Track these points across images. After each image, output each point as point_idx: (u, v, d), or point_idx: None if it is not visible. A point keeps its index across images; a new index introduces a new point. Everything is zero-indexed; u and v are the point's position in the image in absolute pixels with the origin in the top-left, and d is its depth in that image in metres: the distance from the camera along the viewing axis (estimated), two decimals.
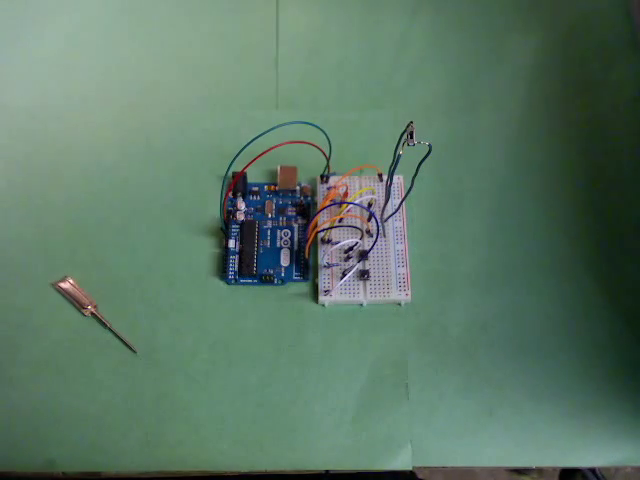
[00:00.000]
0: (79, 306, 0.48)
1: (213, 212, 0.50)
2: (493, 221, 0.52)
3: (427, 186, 0.52)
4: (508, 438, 0.46)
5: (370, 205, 0.50)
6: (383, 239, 0.50)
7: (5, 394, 0.47)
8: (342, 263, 0.49)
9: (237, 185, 0.51)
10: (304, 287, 0.50)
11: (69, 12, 0.59)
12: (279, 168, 0.52)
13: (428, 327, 0.49)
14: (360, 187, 0.51)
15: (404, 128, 0.39)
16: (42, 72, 0.57)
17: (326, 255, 0.49)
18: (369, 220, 0.49)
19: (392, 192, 0.51)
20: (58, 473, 0.45)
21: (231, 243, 0.50)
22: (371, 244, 0.47)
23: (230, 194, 0.51)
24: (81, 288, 0.49)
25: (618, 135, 0.55)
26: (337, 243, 0.48)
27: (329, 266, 0.49)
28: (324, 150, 0.47)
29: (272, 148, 0.43)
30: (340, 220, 0.50)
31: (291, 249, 0.50)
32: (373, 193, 0.51)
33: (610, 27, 0.59)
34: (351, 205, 0.50)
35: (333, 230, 0.49)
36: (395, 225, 0.50)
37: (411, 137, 0.38)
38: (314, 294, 0.49)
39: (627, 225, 0.52)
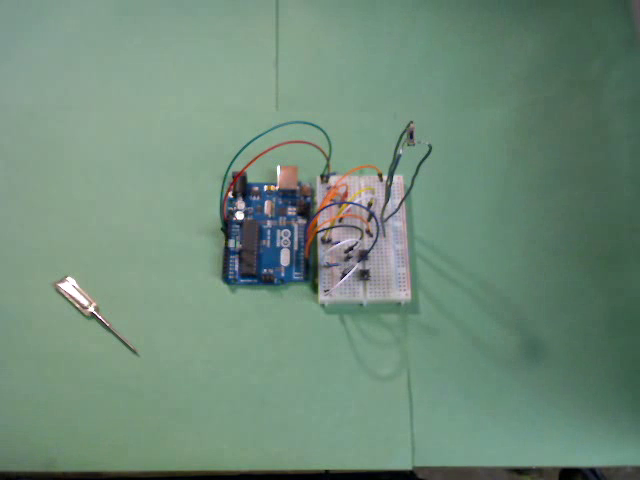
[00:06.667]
0: (79, 306, 0.48)
1: (213, 212, 0.50)
2: (493, 220, 0.52)
3: (427, 186, 0.52)
4: (508, 438, 0.46)
5: (370, 205, 0.50)
6: (383, 239, 0.50)
7: (5, 394, 0.47)
8: (342, 263, 0.49)
9: (237, 185, 0.51)
10: (304, 287, 0.50)
11: (69, 12, 0.59)
12: (279, 168, 0.52)
13: (428, 327, 0.49)
14: (360, 187, 0.51)
15: (404, 128, 0.39)
16: (42, 72, 0.57)
17: (326, 255, 0.49)
18: (369, 220, 0.49)
19: (392, 192, 0.51)
20: (58, 473, 0.46)
21: (231, 243, 0.50)
22: (371, 244, 0.47)
23: (230, 194, 0.51)
24: (81, 288, 0.49)
25: (618, 135, 0.55)
26: (337, 243, 0.48)
27: (329, 266, 0.48)
28: (324, 150, 0.47)
29: (272, 148, 0.43)
30: (340, 220, 0.50)
31: (291, 249, 0.50)
32: (373, 193, 0.51)
33: (610, 27, 0.59)
34: (351, 205, 0.50)
35: (333, 230, 0.49)
36: (395, 225, 0.50)
37: (411, 137, 0.38)
38: (314, 294, 0.49)
39: (627, 224, 0.52)
